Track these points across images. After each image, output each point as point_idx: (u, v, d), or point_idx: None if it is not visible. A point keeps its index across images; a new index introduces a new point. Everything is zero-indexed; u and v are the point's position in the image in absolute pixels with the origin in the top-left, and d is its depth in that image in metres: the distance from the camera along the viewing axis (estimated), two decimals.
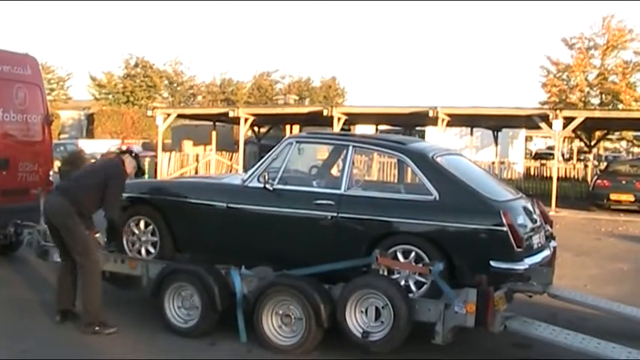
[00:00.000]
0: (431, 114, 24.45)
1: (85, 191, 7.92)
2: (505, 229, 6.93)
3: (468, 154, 31.43)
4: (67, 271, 8.10)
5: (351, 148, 7.86)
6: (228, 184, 8.60)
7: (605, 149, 60.32)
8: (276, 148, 8.23)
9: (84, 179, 8.24)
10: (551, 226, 8.46)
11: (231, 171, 30.44)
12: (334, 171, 8.27)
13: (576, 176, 34.11)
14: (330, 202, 7.54)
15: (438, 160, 7.64)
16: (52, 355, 7.16)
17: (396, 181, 9.23)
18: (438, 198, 7.22)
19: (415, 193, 7.58)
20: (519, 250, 7.04)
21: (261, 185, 7.85)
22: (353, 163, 7.82)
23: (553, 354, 7.32)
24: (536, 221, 7.90)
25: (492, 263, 6.93)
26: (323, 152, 8.99)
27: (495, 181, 8.70)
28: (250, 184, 8.01)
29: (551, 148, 41.40)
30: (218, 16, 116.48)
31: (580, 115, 24.57)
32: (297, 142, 8.19)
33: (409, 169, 7.86)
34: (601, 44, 48.30)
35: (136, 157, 8.38)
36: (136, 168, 8.37)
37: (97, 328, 7.65)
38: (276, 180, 7.85)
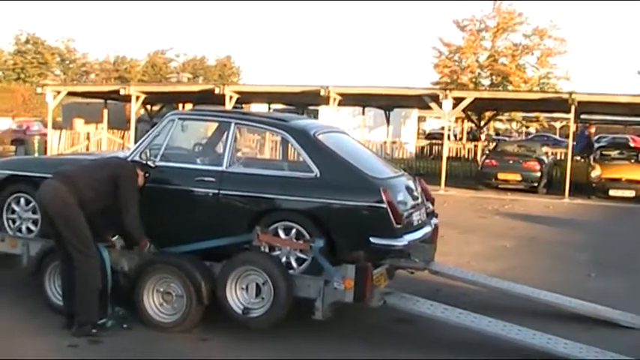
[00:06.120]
0: (322, 93, 24.66)
1: (88, 181, 7.15)
2: (384, 205, 7.00)
3: (360, 134, 31.83)
4: (66, 269, 7.25)
5: (233, 125, 7.81)
6: None
7: (496, 130, 61.87)
8: (158, 124, 8.13)
9: (88, 169, 7.47)
10: (432, 204, 8.62)
11: (123, 149, 29.95)
12: (217, 148, 8.17)
13: (466, 156, 34.83)
14: (211, 178, 7.49)
15: (320, 137, 7.66)
16: None
17: (278, 158, 9.23)
18: (318, 175, 7.24)
19: (296, 170, 7.61)
20: (399, 226, 7.13)
21: (143, 162, 7.74)
22: (235, 140, 7.78)
23: (433, 329, 7.49)
24: (417, 198, 8.01)
25: (372, 240, 7.02)
26: (207, 129, 8.91)
27: (377, 160, 8.74)
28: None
29: (444, 128, 41.94)
30: None
31: (469, 96, 25.12)
32: (179, 118, 8.09)
33: (291, 146, 7.86)
34: (492, 27, 49.33)
35: (146, 176, 7.60)
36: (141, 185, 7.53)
37: (93, 330, 6.98)
38: (158, 157, 7.75)
